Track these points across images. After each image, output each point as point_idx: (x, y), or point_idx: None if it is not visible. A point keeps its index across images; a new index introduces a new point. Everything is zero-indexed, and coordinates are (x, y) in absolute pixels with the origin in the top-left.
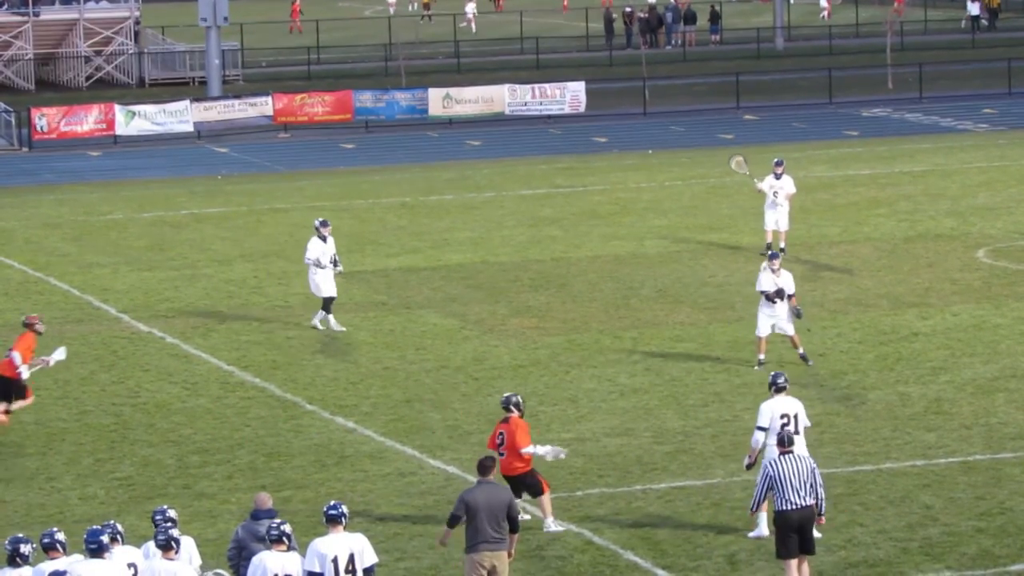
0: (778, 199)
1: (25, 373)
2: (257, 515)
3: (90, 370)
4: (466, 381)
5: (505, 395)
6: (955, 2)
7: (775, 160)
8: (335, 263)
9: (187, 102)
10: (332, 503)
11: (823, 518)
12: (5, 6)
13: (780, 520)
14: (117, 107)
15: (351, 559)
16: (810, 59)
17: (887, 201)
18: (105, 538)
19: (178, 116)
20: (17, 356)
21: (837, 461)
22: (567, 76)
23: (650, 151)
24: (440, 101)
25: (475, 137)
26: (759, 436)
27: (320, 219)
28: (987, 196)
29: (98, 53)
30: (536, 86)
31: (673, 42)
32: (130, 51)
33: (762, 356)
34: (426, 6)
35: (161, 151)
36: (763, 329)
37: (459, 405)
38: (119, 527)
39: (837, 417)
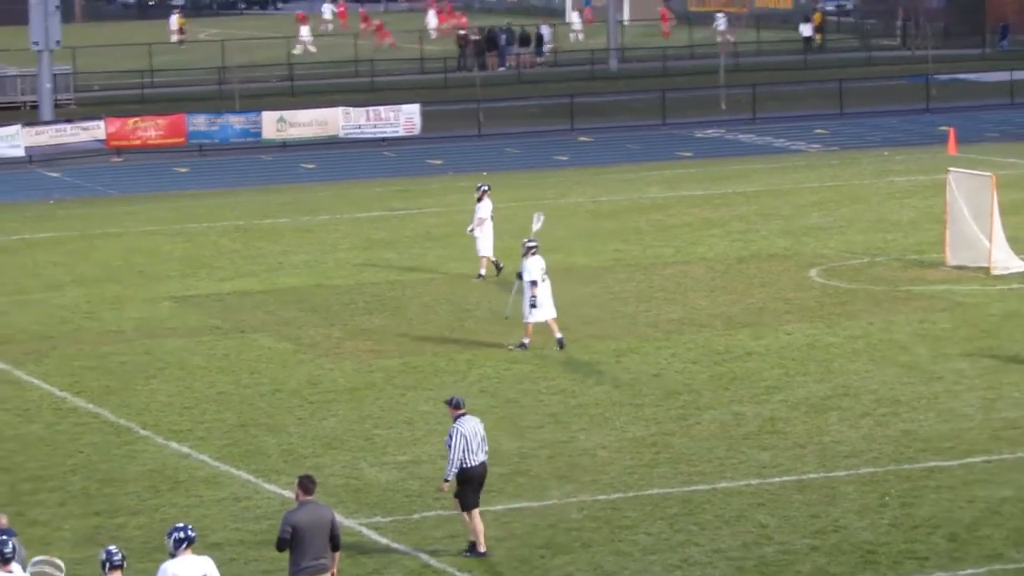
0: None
1: None
2: None
3: None
4: (301, 405)
5: None
6: (787, 23)
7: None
8: None
9: (18, 126)
10: (181, 525)
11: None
12: None
13: (466, 476)
14: None
15: None
16: (644, 80)
17: (720, 221)
18: None
19: (9, 140)
20: None
21: (672, 481)
22: (402, 99)
23: (484, 173)
24: (274, 124)
25: (309, 160)
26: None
27: None
28: (819, 216)
29: None
30: (371, 109)
31: (507, 64)
32: None
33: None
34: (180, 30)
35: None
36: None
37: (294, 429)
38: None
39: (672, 437)
